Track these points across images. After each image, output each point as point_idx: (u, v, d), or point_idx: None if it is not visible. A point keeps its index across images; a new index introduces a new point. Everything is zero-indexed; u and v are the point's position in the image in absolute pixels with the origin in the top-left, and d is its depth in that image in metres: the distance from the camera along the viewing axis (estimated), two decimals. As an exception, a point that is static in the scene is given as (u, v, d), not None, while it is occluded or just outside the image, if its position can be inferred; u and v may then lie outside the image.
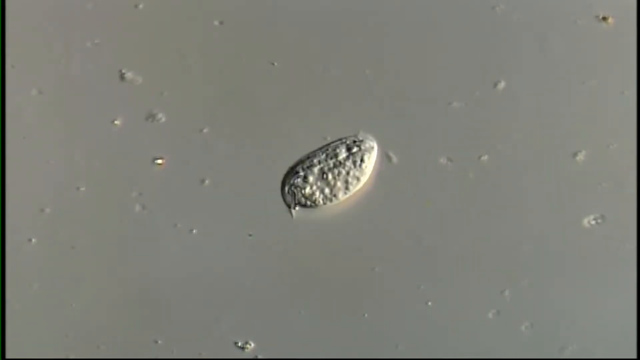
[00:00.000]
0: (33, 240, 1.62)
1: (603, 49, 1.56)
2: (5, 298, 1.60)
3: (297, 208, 1.58)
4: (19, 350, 1.63)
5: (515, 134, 1.58)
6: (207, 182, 1.61)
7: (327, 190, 1.58)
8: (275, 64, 1.58)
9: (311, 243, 1.61)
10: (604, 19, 1.55)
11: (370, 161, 1.59)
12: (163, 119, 1.59)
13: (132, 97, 1.59)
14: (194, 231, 1.62)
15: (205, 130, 1.60)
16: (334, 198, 1.59)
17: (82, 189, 1.61)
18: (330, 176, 1.57)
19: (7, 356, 1.62)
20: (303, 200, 1.57)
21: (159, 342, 1.64)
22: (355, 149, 1.58)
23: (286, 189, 1.59)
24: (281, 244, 1.61)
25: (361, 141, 1.58)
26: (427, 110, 1.58)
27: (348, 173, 1.58)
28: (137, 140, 1.60)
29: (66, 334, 1.64)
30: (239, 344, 1.64)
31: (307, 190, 1.56)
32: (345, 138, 1.59)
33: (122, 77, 1.59)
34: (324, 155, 1.58)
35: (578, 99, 1.57)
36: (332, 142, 1.59)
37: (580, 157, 1.58)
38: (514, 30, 1.56)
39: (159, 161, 1.60)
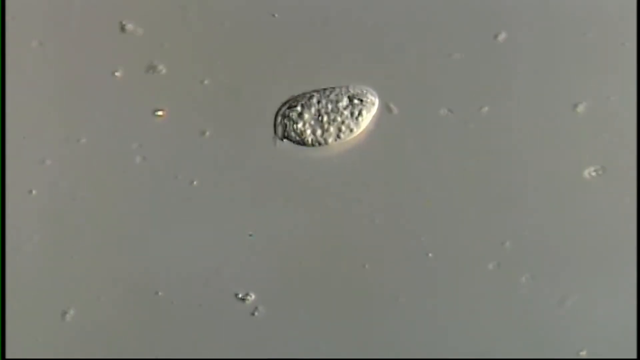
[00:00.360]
0: (34, 191, 1.62)
1: (603, 0, 1.56)
2: (6, 292, 1.60)
3: (283, 140, 1.57)
4: (19, 304, 1.63)
5: (516, 85, 1.58)
6: (207, 133, 1.61)
7: (318, 132, 1.57)
8: (276, 15, 1.58)
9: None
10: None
11: (369, 116, 1.59)
12: (164, 71, 1.59)
13: (133, 49, 1.59)
14: (195, 182, 1.61)
15: (205, 82, 1.59)
16: (322, 142, 1.58)
17: (83, 140, 1.61)
18: (325, 119, 1.57)
19: (7, 356, 1.62)
20: (292, 134, 1.56)
21: (160, 293, 1.65)
22: (356, 101, 1.58)
23: (279, 119, 1.58)
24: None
25: (365, 95, 1.58)
26: (427, 62, 1.58)
27: (343, 122, 1.58)
28: (138, 91, 1.60)
29: (66, 286, 1.64)
30: (240, 296, 1.64)
31: (299, 125, 1.55)
32: (351, 88, 1.59)
33: (122, 28, 1.59)
34: (325, 98, 1.58)
35: (579, 50, 1.57)
36: (336, 87, 1.59)
37: (581, 108, 1.58)
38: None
39: (160, 112, 1.60)
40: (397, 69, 1.59)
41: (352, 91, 1.57)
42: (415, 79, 1.59)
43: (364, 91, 1.58)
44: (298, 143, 1.58)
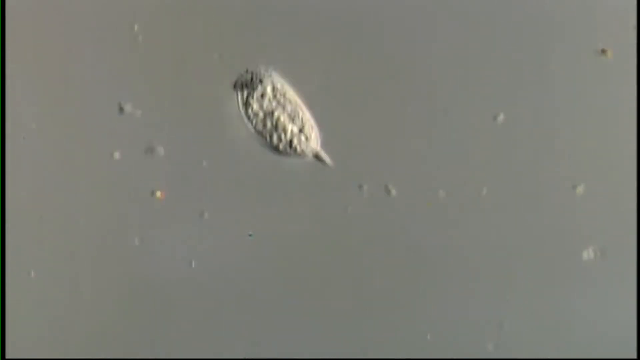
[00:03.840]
0: (32, 273, 1.62)
1: (603, 82, 1.56)
2: (6, 298, 1.60)
3: (244, 92, 1.56)
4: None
5: (515, 166, 1.58)
6: (206, 215, 1.61)
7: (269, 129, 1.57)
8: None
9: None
10: (604, 52, 1.55)
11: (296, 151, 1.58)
12: (162, 152, 1.59)
13: (131, 130, 1.59)
14: (193, 264, 1.62)
15: (204, 164, 1.60)
16: (275, 136, 1.58)
17: (82, 222, 1.61)
18: (275, 124, 1.56)
19: (7, 356, 1.62)
20: (245, 94, 1.55)
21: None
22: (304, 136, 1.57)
23: (250, 75, 1.56)
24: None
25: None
26: (426, 143, 1.58)
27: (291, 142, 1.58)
28: (136, 173, 1.60)
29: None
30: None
31: (255, 101, 1.53)
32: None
33: (121, 110, 1.59)
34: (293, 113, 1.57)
35: (577, 131, 1.57)
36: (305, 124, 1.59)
37: (580, 189, 1.57)
38: (514, 64, 1.56)
39: (158, 194, 1.60)
40: (395, 151, 1.59)
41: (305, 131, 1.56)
42: (413, 160, 1.59)
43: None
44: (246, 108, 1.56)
